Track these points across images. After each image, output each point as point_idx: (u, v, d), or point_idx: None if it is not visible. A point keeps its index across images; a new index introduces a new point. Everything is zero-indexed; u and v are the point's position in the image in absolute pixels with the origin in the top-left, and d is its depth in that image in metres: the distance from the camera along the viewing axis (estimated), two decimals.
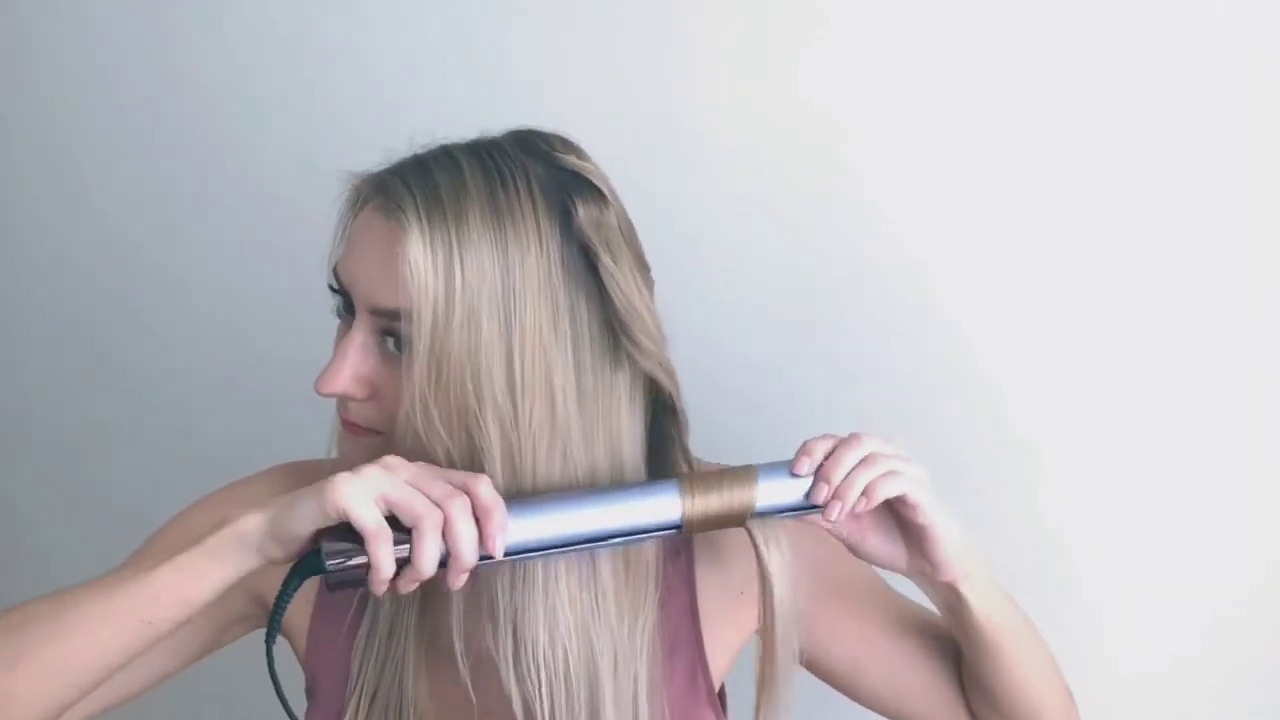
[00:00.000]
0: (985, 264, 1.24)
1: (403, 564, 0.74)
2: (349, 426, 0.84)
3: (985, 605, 0.86)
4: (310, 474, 0.88)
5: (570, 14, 1.30)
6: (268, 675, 0.77)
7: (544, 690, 0.82)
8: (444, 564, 0.75)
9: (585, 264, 0.80)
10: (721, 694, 0.95)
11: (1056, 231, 1.22)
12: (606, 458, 0.82)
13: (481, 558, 0.76)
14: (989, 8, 1.20)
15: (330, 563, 0.74)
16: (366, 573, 0.75)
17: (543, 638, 0.82)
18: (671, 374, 0.86)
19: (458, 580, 0.75)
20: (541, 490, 0.80)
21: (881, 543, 0.84)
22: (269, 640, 0.78)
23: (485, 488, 0.75)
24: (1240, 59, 1.16)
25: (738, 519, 0.81)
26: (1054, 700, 0.93)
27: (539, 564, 0.81)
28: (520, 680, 0.82)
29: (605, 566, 0.84)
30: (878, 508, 0.81)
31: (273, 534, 0.75)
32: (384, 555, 0.73)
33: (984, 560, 0.86)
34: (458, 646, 0.84)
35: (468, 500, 0.74)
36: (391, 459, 0.76)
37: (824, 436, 0.82)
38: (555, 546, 0.78)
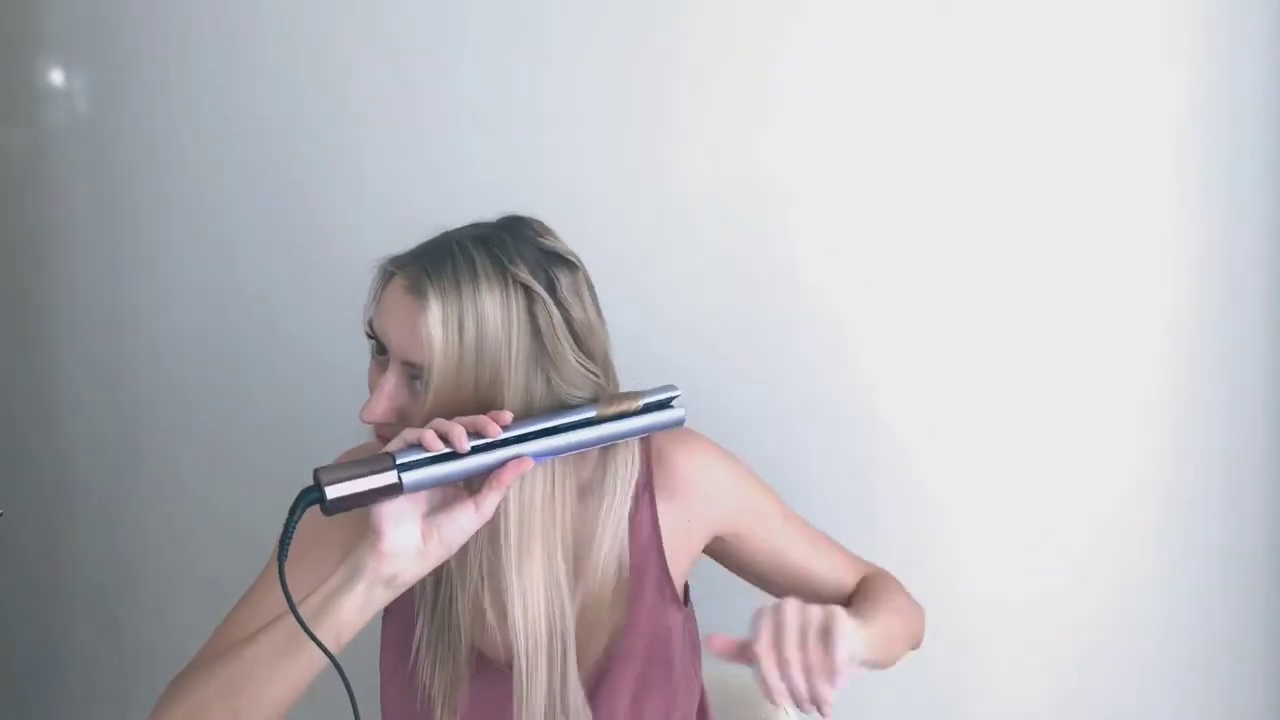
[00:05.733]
0: (879, 284, 1.58)
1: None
2: (383, 441, 1.04)
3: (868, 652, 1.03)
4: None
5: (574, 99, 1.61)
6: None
7: (520, 644, 1.04)
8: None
9: (564, 319, 1.02)
10: (686, 591, 1.20)
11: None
12: None
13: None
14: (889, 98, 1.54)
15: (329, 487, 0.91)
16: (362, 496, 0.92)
17: (517, 610, 1.03)
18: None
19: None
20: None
21: None
22: (280, 556, 0.92)
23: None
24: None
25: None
26: (905, 650, 1.17)
27: (513, 549, 1.01)
28: (505, 636, 1.05)
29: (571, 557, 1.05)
30: None
31: (372, 545, 0.95)
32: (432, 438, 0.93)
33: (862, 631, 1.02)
34: (485, 598, 1.06)
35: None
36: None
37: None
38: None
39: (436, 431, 0.95)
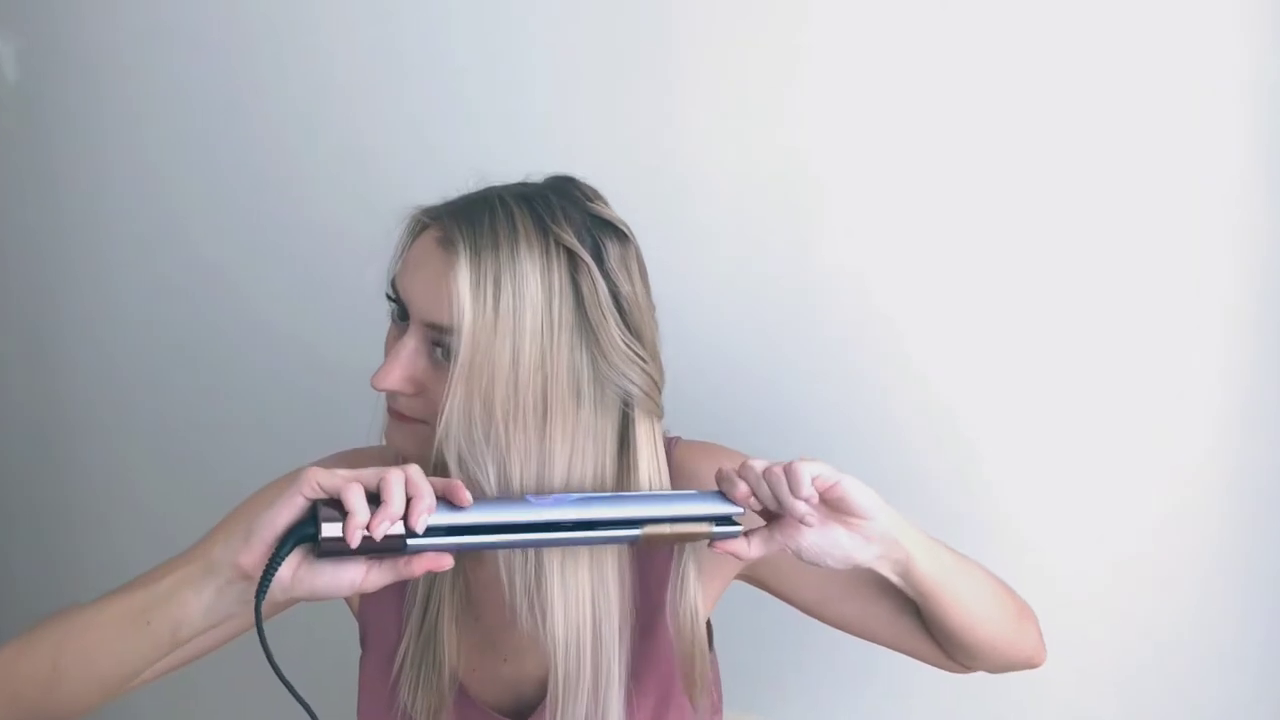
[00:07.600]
0: (923, 277, 1.45)
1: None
2: (395, 415, 0.97)
3: (922, 560, 0.97)
4: (362, 460, 1.01)
5: (588, 64, 1.50)
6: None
7: (560, 654, 0.96)
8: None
9: (610, 291, 0.94)
10: (709, 632, 1.11)
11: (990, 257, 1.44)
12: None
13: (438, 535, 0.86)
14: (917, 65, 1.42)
15: (325, 527, 0.82)
16: (341, 540, 0.84)
17: (559, 614, 0.96)
18: (656, 387, 0.98)
19: (378, 532, 0.83)
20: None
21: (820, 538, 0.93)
22: (258, 596, 0.85)
23: (415, 471, 0.86)
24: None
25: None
26: (1002, 629, 1.06)
27: (555, 554, 0.94)
28: (546, 647, 0.97)
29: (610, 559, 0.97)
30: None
31: (248, 546, 0.84)
32: (359, 503, 0.83)
33: (907, 522, 0.98)
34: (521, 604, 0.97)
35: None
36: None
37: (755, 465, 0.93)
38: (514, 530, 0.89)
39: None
